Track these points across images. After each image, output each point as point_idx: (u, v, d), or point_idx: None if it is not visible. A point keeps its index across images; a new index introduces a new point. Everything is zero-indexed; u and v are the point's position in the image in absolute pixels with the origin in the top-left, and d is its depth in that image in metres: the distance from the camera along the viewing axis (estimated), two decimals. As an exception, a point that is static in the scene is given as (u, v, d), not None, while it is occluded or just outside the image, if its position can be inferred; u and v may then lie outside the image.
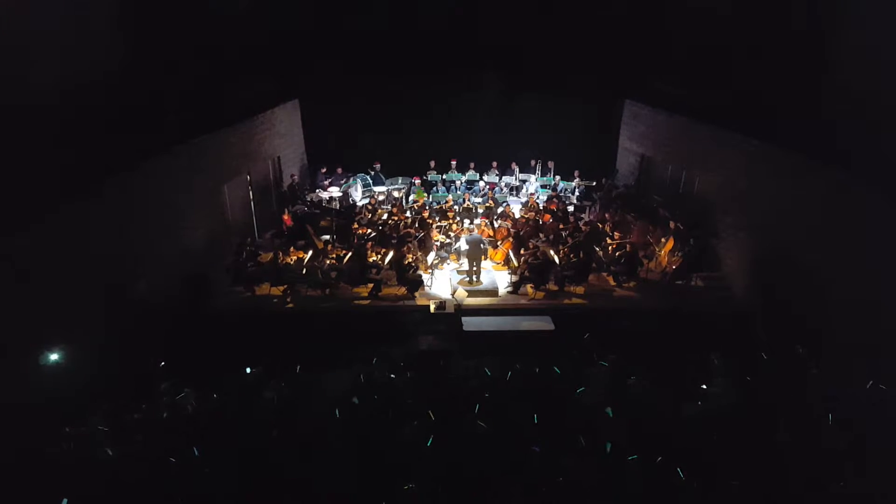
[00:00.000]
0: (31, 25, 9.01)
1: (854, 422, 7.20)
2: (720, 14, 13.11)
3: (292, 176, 15.72)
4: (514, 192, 16.39)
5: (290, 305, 11.62)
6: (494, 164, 16.53)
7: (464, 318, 11.22)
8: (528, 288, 11.90)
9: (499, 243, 13.14)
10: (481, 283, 12.17)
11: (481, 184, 16.20)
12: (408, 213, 14.47)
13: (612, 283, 12.30)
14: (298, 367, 8.75)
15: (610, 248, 12.66)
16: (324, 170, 16.23)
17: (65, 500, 5.95)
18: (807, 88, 10.91)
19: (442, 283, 12.41)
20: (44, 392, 7.68)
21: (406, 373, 8.76)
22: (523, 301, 11.81)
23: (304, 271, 11.80)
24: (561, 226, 13.45)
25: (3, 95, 8.30)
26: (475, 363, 9.12)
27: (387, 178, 16.52)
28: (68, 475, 6.57)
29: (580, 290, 11.97)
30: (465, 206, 14.91)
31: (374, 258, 12.29)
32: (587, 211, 15.71)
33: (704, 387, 8.29)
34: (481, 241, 12.44)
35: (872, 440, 6.89)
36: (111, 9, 10.68)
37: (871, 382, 7.68)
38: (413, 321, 11.38)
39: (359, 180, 16.22)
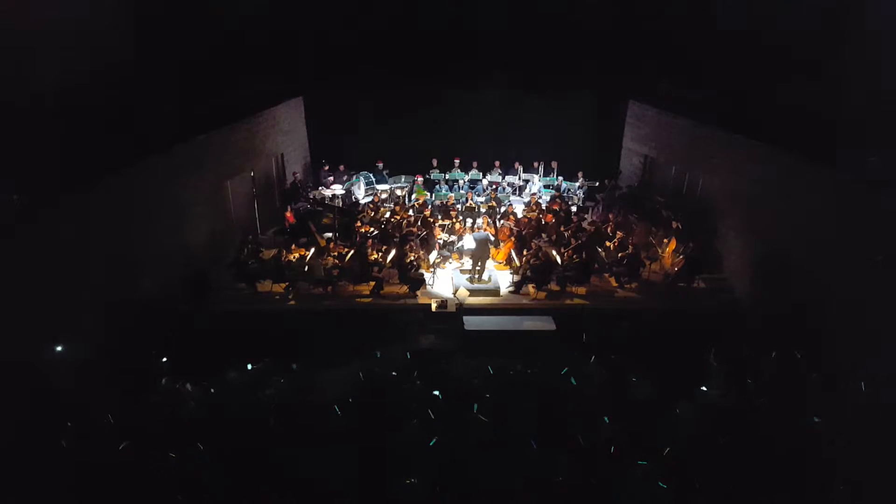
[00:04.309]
0: (33, 25, 9.03)
1: (851, 424, 7.19)
2: (723, 15, 13.10)
3: (295, 174, 15.73)
4: (517, 192, 16.38)
5: (292, 303, 11.64)
6: (497, 163, 16.51)
7: (465, 318, 11.22)
8: (530, 288, 11.89)
9: (501, 243, 13.13)
10: (490, 279, 12.19)
11: (484, 183, 16.18)
12: (410, 212, 14.47)
13: (614, 283, 12.29)
14: (299, 365, 8.78)
15: (612, 248, 12.64)
16: (326, 167, 16.24)
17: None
18: (808, 89, 10.90)
19: (444, 282, 12.42)
20: (45, 389, 7.70)
21: (407, 371, 8.77)
22: (525, 301, 11.81)
23: (306, 269, 11.81)
24: (563, 226, 13.44)
25: (5, 94, 8.32)
26: (476, 362, 9.14)
27: (390, 177, 16.52)
28: (73, 469, 6.60)
29: (582, 290, 11.96)
30: (467, 205, 14.90)
31: (376, 256, 12.30)
32: (590, 211, 15.69)
33: (704, 388, 8.29)
34: (488, 239, 12.43)
35: (870, 443, 6.87)
36: (114, 6, 10.70)
37: (871, 385, 7.68)
38: (415, 320, 11.38)
39: (361, 178, 16.22)
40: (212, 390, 8.31)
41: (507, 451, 6.87)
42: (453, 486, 6.39)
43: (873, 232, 8.92)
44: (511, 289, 12.09)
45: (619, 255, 12.39)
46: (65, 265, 8.43)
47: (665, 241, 12.84)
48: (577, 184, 16.11)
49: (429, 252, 12.59)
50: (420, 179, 16.24)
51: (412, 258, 12.19)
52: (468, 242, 12.63)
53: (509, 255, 12.70)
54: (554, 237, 12.95)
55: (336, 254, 12.30)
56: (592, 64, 15.76)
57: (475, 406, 7.52)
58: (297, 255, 12.16)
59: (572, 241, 12.62)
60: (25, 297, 7.76)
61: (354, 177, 16.22)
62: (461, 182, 16.28)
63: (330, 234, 13.21)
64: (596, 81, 16.27)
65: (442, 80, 16.34)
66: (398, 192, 15.96)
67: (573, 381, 8.17)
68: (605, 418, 7.42)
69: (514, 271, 12.39)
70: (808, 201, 10.38)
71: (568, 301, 11.78)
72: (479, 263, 12.14)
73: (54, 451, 6.91)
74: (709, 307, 11.77)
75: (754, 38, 12.36)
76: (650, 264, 12.53)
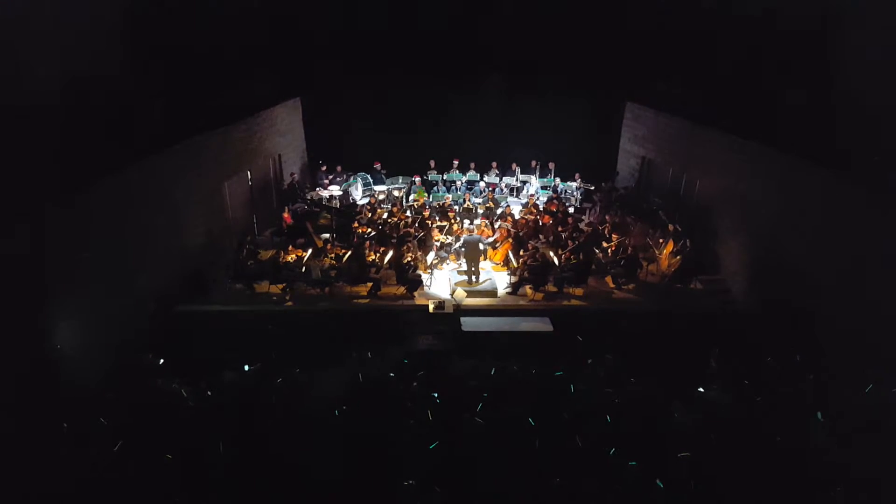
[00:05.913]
0: (31, 25, 9.01)
1: (851, 424, 7.20)
2: (721, 16, 13.14)
3: (292, 174, 15.73)
4: (515, 193, 16.40)
5: (289, 304, 11.62)
6: (495, 164, 16.54)
7: (462, 319, 11.21)
8: (528, 289, 11.90)
9: (498, 244, 13.13)
10: (482, 282, 12.17)
11: (481, 184, 16.20)
12: (408, 213, 14.47)
13: (612, 285, 12.30)
14: (297, 366, 8.76)
15: (609, 249, 12.66)
16: (324, 167, 16.24)
17: None
18: (807, 90, 10.93)
19: (441, 283, 12.42)
20: (42, 389, 7.68)
21: (404, 372, 8.76)
22: (522, 302, 11.81)
23: (303, 270, 11.80)
24: (561, 227, 13.45)
25: (3, 95, 8.30)
26: (473, 363, 9.12)
27: (387, 178, 16.52)
28: (69, 470, 6.58)
29: (579, 291, 11.97)
30: (465, 206, 14.91)
31: (374, 257, 12.29)
32: (587, 213, 15.71)
33: (702, 389, 8.29)
34: (479, 242, 12.44)
35: (871, 442, 6.89)
36: (112, 6, 10.68)
37: (869, 385, 7.69)
38: (412, 321, 11.37)
39: (359, 179, 16.23)
40: (208, 391, 8.28)
41: (506, 453, 6.87)
42: (452, 487, 6.38)
43: (872, 233, 8.94)
44: (508, 290, 12.09)
45: (617, 256, 12.41)
46: (62, 265, 8.40)
47: (662, 242, 12.86)
48: (575, 185, 16.14)
49: (426, 253, 12.59)
50: (418, 180, 16.26)
51: (410, 259, 12.19)
52: (461, 244, 12.65)
53: (507, 256, 12.70)
54: (551, 238, 12.96)
55: (333, 255, 12.29)
56: (590, 65, 15.78)
57: (478, 406, 7.51)
58: (294, 255, 12.15)
59: (570, 242, 12.64)
60: (24, 297, 7.73)
61: (352, 178, 16.23)
62: (459, 183, 16.30)
63: (327, 235, 13.20)
64: (593, 83, 16.30)
65: (440, 82, 16.35)
66: (395, 193, 15.97)
67: (572, 388, 8.16)
68: (608, 417, 7.42)
69: (512, 272, 12.39)
70: (805, 202, 10.40)
71: (565, 302, 11.79)
72: (473, 266, 12.14)
73: (53, 452, 6.88)
74: (706, 308, 11.79)
75: (753, 38, 12.40)
76: (647, 265, 12.55)
